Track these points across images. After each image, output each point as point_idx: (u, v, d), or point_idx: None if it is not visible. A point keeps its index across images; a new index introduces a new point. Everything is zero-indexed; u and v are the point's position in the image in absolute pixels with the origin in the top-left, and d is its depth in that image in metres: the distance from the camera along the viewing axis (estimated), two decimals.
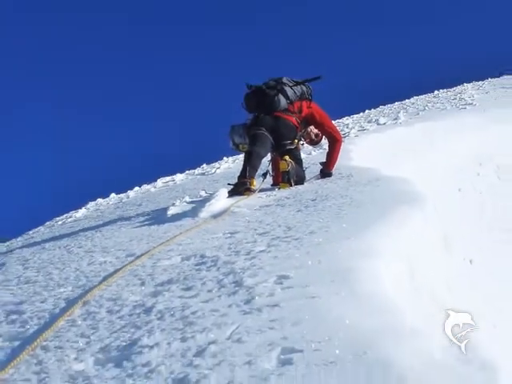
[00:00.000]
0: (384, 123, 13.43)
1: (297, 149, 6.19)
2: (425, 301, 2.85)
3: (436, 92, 21.39)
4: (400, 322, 2.02)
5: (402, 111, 15.82)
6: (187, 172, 12.19)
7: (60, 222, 8.76)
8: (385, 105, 20.38)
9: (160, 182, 11.37)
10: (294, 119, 6.05)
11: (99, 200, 11.00)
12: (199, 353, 1.92)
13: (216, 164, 12.17)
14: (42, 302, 2.81)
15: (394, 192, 4.65)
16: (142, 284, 2.84)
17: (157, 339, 2.09)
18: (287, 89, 6.10)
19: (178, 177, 11.39)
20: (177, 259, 3.23)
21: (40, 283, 3.24)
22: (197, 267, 2.99)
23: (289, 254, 2.94)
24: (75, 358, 2.05)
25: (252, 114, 6.09)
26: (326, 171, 6.26)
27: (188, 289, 2.64)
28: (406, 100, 20.42)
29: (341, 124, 14.99)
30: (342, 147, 6.46)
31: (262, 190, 5.54)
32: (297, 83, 6.24)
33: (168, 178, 11.63)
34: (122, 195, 10.80)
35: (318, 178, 6.21)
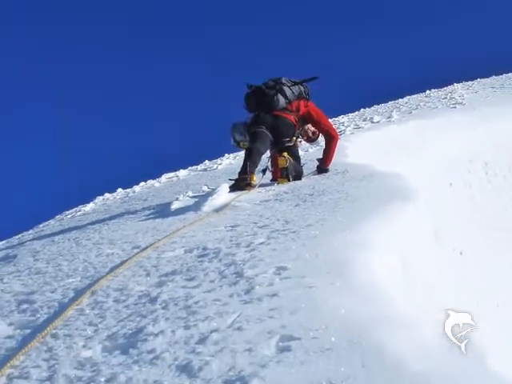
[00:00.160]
0: (378, 121, 13.40)
1: (295, 146, 6.21)
2: (417, 291, 2.85)
3: (428, 92, 21.33)
4: (393, 311, 2.02)
5: (395, 110, 15.79)
6: (190, 168, 12.18)
7: (69, 216, 8.76)
8: (379, 104, 20.35)
9: (164, 177, 11.36)
10: (292, 118, 6.06)
11: (106, 195, 10.99)
12: (202, 340, 1.92)
13: (218, 160, 12.16)
14: (52, 292, 2.81)
15: (388, 187, 4.65)
16: (147, 275, 2.84)
17: (161, 327, 2.09)
18: (286, 89, 6.11)
19: (182, 173, 11.38)
20: (180, 251, 3.23)
21: (50, 274, 3.23)
22: (199, 259, 2.99)
23: (287, 246, 2.94)
24: (83, 346, 2.05)
25: (252, 113, 6.10)
26: (322, 167, 6.26)
27: (191, 279, 2.64)
28: (399, 99, 20.37)
29: (337, 122, 14.98)
30: (337, 144, 6.47)
31: (261, 185, 5.54)
32: (295, 83, 6.25)
33: (172, 174, 11.63)
34: (128, 190, 10.79)
35: (315, 174, 6.21)
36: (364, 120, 14.31)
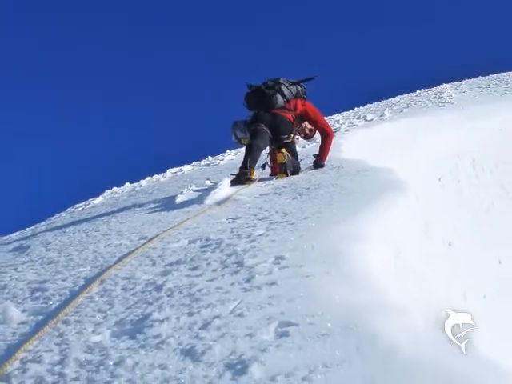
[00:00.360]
0: (371, 119, 13.36)
1: (292, 142, 6.21)
2: (408, 280, 2.85)
3: (418, 91, 21.24)
4: (386, 299, 2.02)
5: (387, 109, 15.74)
6: (194, 163, 12.15)
7: (79, 209, 8.75)
8: (372, 103, 20.27)
9: (169, 172, 11.34)
10: (290, 116, 6.06)
11: (115, 188, 10.97)
12: (205, 326, 1.92)
13: (220, 156, 12.14)
14: (63, 281, 2.81)
15: (381, 181, 4.65)
16: (153, 264, 2.84)
17: (166, 314, 2.09)
18: (284, 88, 6.12)
19: (186, 168, 11.36)
20: (184, 242, 3.22)
21: (61, 263, 3.23)
22: (202, 249, 2.99)
23: (285, 237, 2.94)
24: (93, 331, 2.05)
25: (252, 111, 6.10)
26: (318, 163, 6.26)
27: (194, 268, 2.64)
28: (391, 98, 20.30)
29: (332, 120, 14.94)
30: (333, 141, 6.46)
31: (261, 180, 5.54)
32: (292, 83, 6.27)
33: (176, 169, 11.60)
34: (135, 184, 10.77)
35: (312, 169, 6.20)
36: (358, 118, 14.27)
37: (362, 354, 1.58)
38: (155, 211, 4.77)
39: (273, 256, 2.58)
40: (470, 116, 11.97)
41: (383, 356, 1.55)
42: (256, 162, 5.68)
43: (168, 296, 2.30)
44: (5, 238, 6.55)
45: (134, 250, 3.17)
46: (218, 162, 10.69)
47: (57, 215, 9.06)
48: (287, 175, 5.76)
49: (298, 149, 6.59)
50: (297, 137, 6.45)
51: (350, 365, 1.54)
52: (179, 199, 4.94)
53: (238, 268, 2.51)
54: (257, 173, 5.64)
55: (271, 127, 5.88)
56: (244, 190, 4.93)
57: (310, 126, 6.44)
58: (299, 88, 6.30)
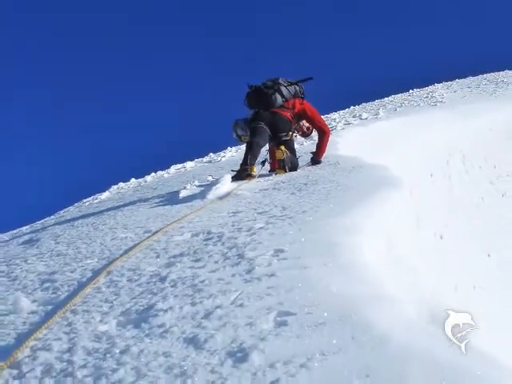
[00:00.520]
0: (366, 118, 13.34)
1: (291, 140, 6.21)
2: (401, 271, 2.85)
3: (411, 91, 21.22)
4: (380, 290, 2.02)
5: (381, 108, 15.73)
6: (196, 160, 12.13)
7: (87, 203, 8.75)
8: (367, 102, 20.24)
9: (173, 168, 11.33)
10: (288, 114, 6.05)
11: (121, 184, 10.96)
12: (207, 316, 1.92)
13: (221, 153, 12.12)
14: (72, 272, 2.81)
15: (375, 177, 4.64)
16: (158, 256, 2.83)
17: (170, 304, 2.09)
18: (282, 88, 6.11)
19: (189, 164, 11.34)
20: (187, 235, 3.22)
21: (70, 256, 3.23)
22: (205, 242, 2.99)
23: (284, 230, 2.94)
24: (100, 320, 2.05)
25: (252, 110, 6.10)
26: (316, 159, 6.25)
27: (197, 261, 2.63)
28: (385, 98, 20.27)
29: (329, 118, 14.92)
30: (329, 139, 6.45)
31: (261, 176, 5.53)
32: (291, 83, 6.26)
33: (180, 165, 11.59)
34: (140, 180, 10.76)
35: (309, 165, 6.20)
36: (354, 117, 14.25)
37: (357, 342, 1.58)
38: (159, 206, 4.76)
39: (272, 248, 2.58)
40: (460, 115, 11.97)
41: (377, 344, 1.55)
42: (256, 158, 5.68)
43: (172, 287, 2.30)
44: (15, 231, 6.56)
45: (139, 243, 3.17)
46: (219, 158, 10.68)
47: (65, 209, 9.06)
48: (286, 171, 5.77)
49: (296, 146, 6.58)
50: (295, 134, 6.45)
51: (345, 352, 1.54)
52: (182, 194, 4.94)
53: (239, 260, 2.50)
54: (257, 169, 5.64)
55: (270, 125, 5.88)
56: (244, 185, 4.93)
57: (307, 125, 6.44)
58: (297, 88, 6.29)
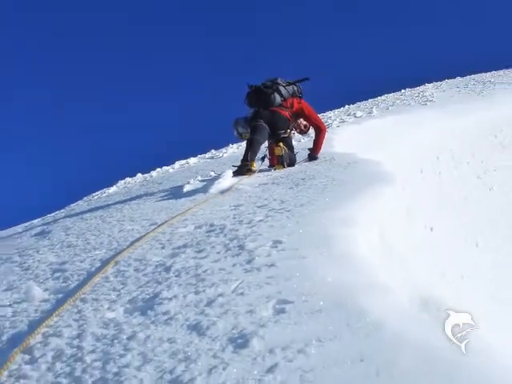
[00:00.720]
0: (360, 116, 13.31)
1: (289, 137, 6.22)
2: (393, 261, 2.85)
3: (402, 91, 21.14)
4: (373, 279, 2.02)
5: (374, 106, 15.68)
6: (199, 156, 12.12)
7: (96, 197, 8.75)
8: (361, 101, 20.19)
9: (177, 164, 11.31)
10: (287, 113, 6.04)
11: (127, 179, 10.95)
12: (209, 303, 1.91)
13: (223, 149, 12.10)
14: (81, 262, 2.81)
15: (369, 173, 4.64)
16: (163, 247, 2.83)
17: (175, 292, 2.09)
18: (281, 88, 6.10)
19: (192, 160, 11.32)
20: (191, 227, 3.22)
21: (79, 247, 3.23)
22: (207, 234, 2.98)
23: (282, 223, 2.93)
24: (108, 308, 2.05)
25: (252, 109, 6.09)
26: (312, 155, 6.25)
27: (200, 251, 2.63)
28: (378, 97, 20.19)
29: (325, 117, 14.88)
30: (325, 136, 6.44)
31: (260, 171, 5.53)
32: (289, 83, 6.25)
33: (183, 161, 11.57)
34: (146, 175, 10.75)
35: (307, 161, 6.19)
36: (348, 115, 14.22)
37: (351, 329, 1.58)
38: (164, 199, 4.76)
39: (271, 240, 2.58)
40: (449, 113, 11.94)
41: (371, 330, 1.55)
42: (256, 154, 5.67)
43: (176, 276, 2.30)
44: (27, 224, 6.55)
45: (145, 235, 3.17)
46: (221, 154, 10.67)
47: (75, 203, 9.06)
48: (284, 167, 5.77)
49: (294, 143, 6.58)
50: (293, 132, 6.45)
51: (340, 338, 1.54)
52: (186, 188, 4.93)
53: (240, 251, 2.50)
54: (257, 165, 5.63)
55: (270, 123, 5.87)
56: (245, 180, 4.92)
57: (304, 123, 6.42)
58: (295, 88, 6.29)
